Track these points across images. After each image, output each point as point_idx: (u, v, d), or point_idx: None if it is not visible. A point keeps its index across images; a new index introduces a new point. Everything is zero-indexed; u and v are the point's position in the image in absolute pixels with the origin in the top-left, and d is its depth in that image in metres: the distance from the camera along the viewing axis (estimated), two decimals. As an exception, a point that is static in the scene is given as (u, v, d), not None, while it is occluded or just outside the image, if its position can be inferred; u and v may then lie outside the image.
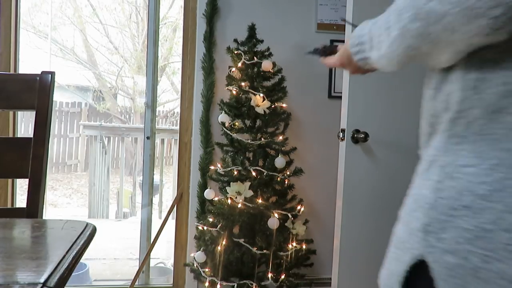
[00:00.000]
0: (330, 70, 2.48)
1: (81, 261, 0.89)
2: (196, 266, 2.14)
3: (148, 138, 2.51)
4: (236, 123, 2.12)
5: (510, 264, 0.60)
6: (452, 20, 0.61)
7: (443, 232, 0.65)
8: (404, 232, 0.74)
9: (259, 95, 2.06)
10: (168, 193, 5.99)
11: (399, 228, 0.77)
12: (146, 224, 2.58)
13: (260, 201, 2.04)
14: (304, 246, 2.11)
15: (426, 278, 0.67)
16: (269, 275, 2.03)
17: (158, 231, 2.41)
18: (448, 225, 0.65)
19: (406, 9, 0.67)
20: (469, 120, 0.67)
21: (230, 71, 2.23)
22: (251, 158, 2.12)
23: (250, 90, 2.08)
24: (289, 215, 2.07)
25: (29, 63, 5.90)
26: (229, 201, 2.04)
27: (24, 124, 6.91)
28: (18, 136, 2.86)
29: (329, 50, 1.09)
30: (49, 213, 5.53)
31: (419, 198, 0.71)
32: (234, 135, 2.10)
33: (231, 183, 2.03)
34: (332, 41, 2.43)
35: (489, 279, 0.61)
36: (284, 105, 2.13)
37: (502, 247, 0.60)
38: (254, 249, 2.02)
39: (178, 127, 2.51)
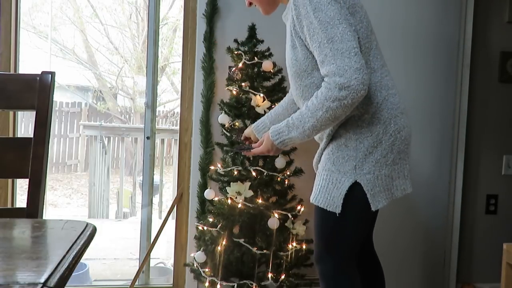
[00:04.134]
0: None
1: (81, 261, 0.89)
2: (196, 266, 2.14)
3: (148, 138, 2.51)
4: (236, 123, 2.12)
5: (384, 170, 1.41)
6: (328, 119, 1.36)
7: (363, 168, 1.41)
8: (339, 173, 1.42)
9: (259, 95, 2.06)
10: (168, 193, 5.99)
11: (330, 173, 1.43)
12: (146, 224, 2.58)
13: (260, 201, 2.04)
14: (304, 246, 2.11)
15: (358, 189, 1.40)
16: (269, 275, 2.03)
17: (158, 231, 2.41)
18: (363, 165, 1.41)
19: (312, 116, 1.36)
20: None
21: (231, 71, 2.23)
22: (251, 158, 2.12)
23: (250, 90, 2.08)
24: (289, 215, 2.07)
25: (29, 63, 5.90)
26: (229, 201, 2.04)
27: (24, 124, 6.91)
28: (18, 136, 2.86)
29: (248, 147, 1.61)
30: (49, 213, 5.53)
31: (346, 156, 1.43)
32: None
33: (231, 183, 2.03)
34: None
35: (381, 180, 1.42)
36: (284, 105, 2.13)
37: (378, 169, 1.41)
38: (254, 249, 2.02)
39: (178, 127, 2.51)
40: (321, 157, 1.53)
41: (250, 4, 1.60)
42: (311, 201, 1.50)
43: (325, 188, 1.44)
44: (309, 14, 1.32)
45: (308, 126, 1.37)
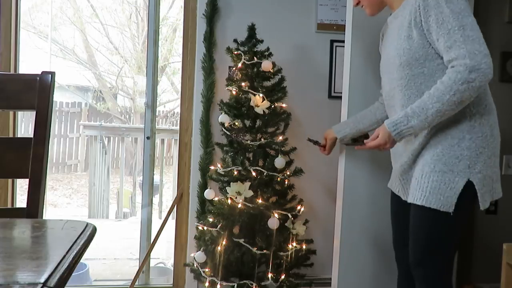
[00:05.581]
0: (330, 70, 2.48)
1: (81, 261, 0.89)
2: (196, 266, 2.14)
3: (148, 138, 2.51)
4: (236, 123, 2.12)
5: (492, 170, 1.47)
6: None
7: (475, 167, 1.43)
8: (452, 173, 1.43)
9: (259, 95, 2.06)
10: (168, 193, 5.98)
11: (442, 174, 1.44)
12: (146, 224, 2.58)
13: (260, 201, 2.04)
14: (304, 246, 2.11)
15: (469, 188, 1.42)
16: (269, 275, 2.03)
17: (158, 231, 2.41)
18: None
19: (437, 101, 1.38)
20: None
21: (231, 71, 2.23)
22: (251, 158, 2.12)
23: (250, 90, 2.08)
24: (289, 215, 2.07)
25: (29, 63, 5.89)
26: (229, 201, 2.04)
27: (24, 124, 6.90)
28: (18, 136, 2.86)
29: (361, 143, 1.63)
30: (49, 213, 5.52)
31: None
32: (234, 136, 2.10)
33: (231, 183, 2.03)
34: (332, 42, 2.45)
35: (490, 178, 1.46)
36: (284, 105, 2.13)
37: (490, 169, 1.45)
38: (254, 249, 2.02)
39: (178, 127, 2.51)
40: (415, 160, 1.54)
41: (358, 3, 1.68)
42: (418, 203, 1.48)
43: (437, 189, 1.44)
44: (441, 4, 1.40)
45: (432, 112, 1.39)
